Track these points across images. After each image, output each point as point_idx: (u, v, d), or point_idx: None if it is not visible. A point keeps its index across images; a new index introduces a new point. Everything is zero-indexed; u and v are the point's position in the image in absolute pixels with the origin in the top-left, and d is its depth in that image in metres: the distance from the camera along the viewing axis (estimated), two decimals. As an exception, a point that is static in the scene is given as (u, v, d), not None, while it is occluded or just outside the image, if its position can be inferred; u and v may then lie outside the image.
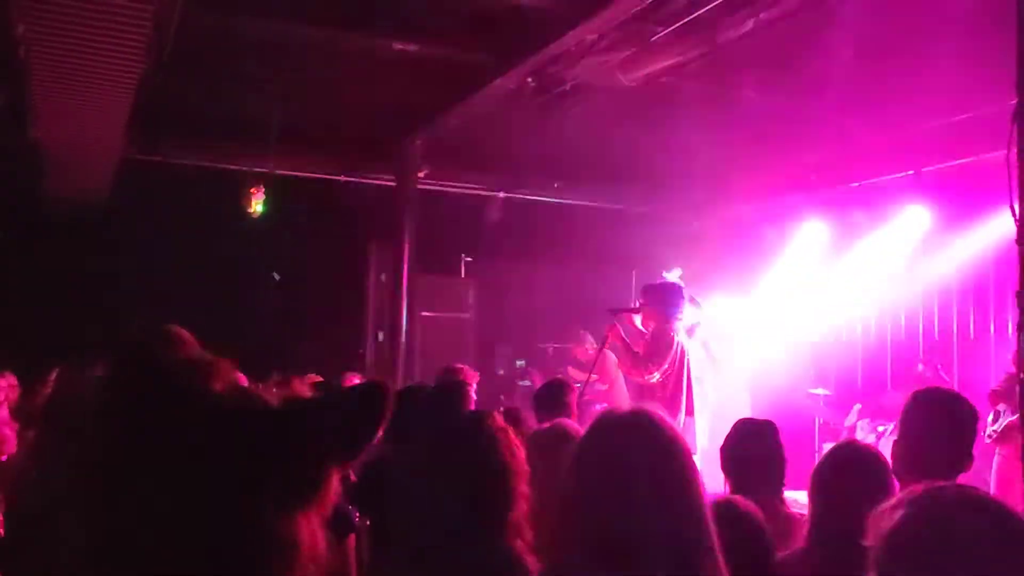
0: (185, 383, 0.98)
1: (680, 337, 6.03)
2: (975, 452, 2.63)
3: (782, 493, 3.14)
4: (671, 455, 1.43)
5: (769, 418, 3.39)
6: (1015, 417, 5.45)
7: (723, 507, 2.09)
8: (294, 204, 8.96)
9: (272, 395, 1.02)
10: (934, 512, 1.26)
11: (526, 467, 2.16)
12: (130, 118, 6.45)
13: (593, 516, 1.39)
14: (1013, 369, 5.85)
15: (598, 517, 1.38)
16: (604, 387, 7.68)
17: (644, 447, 1.43)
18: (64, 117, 6.20)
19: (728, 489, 3.07)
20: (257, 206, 8.05)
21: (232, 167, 8.52)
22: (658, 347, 5.91)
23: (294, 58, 6.80)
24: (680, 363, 5.95)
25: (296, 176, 8.93)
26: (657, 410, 1.54)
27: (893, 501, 1.30)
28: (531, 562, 1.98)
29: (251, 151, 8.31)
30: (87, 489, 1.00)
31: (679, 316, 6.09)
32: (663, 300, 6.08)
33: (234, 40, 6.44)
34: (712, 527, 1.41)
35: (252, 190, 8.05)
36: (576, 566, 1.38)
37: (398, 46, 6.50)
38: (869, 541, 1.28)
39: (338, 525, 2.82)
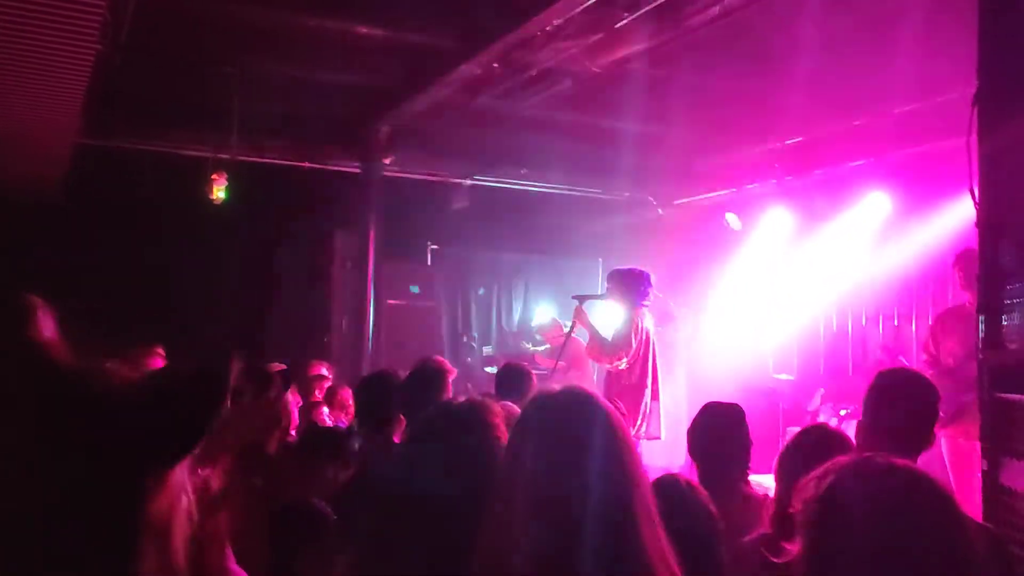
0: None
1: (646, 323, 6.07)
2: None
3: (747, 475, 3.17)
4: (607, 428, 1.43)
5: (735, 402, 3.43)
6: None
7: (666, 483, 2.11)
8: (257, 191, 8.84)
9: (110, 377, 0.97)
10: (856, 479, 1.29)
11: None
12: (86, 103, 6.30)
13: (528, 487, 1.39)
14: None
15: (534, 486, 1.39)
16: (578, 374, 7.71)
17: (580, 419, 1.43)
18: (13, 100, 6.04)
19: (695, 472, 3.10)
20: (219, 193, 7.93)
21: (193, 153, 8.37)
22: (623, 333, 5.94)
23: (256, 42, 6.70)
24: (646, 349, 5.99)
25: (259, 163, 8.80)
26: (591, 388, 1.54)
27: (819, 471, 1.33)
28: None
29: (213, 137, 8.17)
30: None
31: (645, 302, 6.12)
32: (629, 286, 6.11)
33: (194, 23, 6.32)
34: (652, 500, 1.41)
35: (214, 177, 7.91)
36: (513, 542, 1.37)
37: (362, 30, 6.42)
38: (794, 508, 1.31)
39: (310, 523, 2.78)
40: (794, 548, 1.32)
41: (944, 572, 1.21)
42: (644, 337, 6.01)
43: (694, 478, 3.06)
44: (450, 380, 4.43)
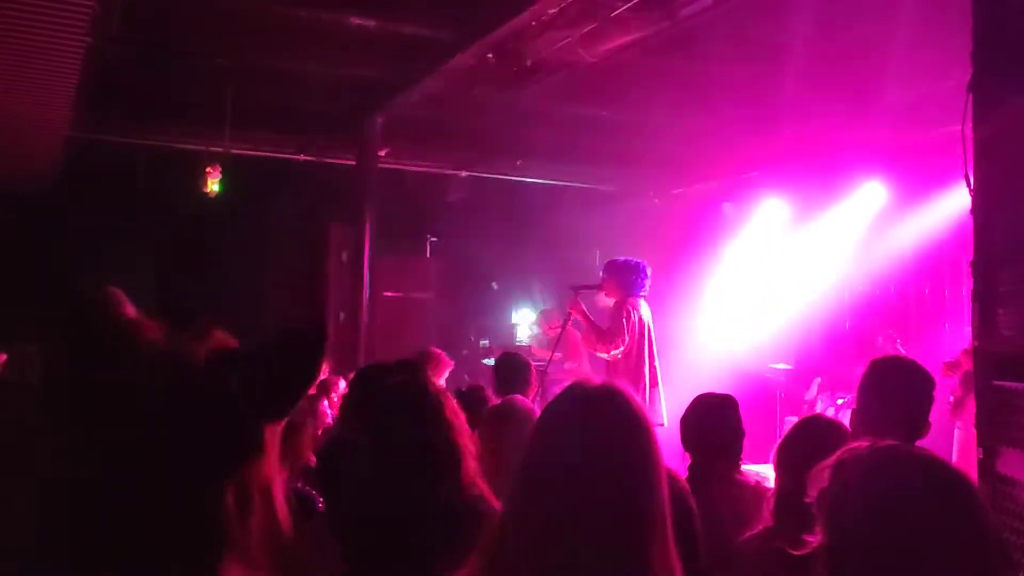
0: (115, 342, 0.96)
1: (643, 312, 6.06)
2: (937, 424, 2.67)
3: (740, 464, 3.17)
4: (638, 433, 1.39)
5: (729, 392, 3.42)
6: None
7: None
8: (253, 184, 8.82)
9: (199, 347, 0.99)
10: (872, 467, 1.27)
11: (465, 425, 2.17)
12: (77, 96, 6.27)
13: (549, 488, 1.36)
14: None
15: (554, 489, 1.35)
16: (575, 365, 7.71)
17: (613, 421, 1.38)
18: (2, 94, 6.01)
19: (688, 462, 3.10)
20: (213, 186, 7.90)
21: (187, 147, 8.34)
22: (620, 322, 5.94)
23: (248, 34, 6.66)
24: (641, 337, 5.99)
25: (254, 155, 8.78)
26: (625, 387, 1.48)
27: (833, 460, 1.31)
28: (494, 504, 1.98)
29: (206, 130, 8.15)
30: (30, 446, 0.99)
31: (642, 292, 6.12)
32: (625, 276, 6.11)
33: (186, 15, 6.29)
34: (668, 511, 1.38)
35: (208, 169, 7.89)
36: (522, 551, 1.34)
37: (356, 21, 6.39)
38: (810, 498, 1.30)
39: (300, 508, 2.78)
40: (814, 539, 1.31)
41: (969, 559, 1.20)
42: (640, 326, 6.01)
43: (685, 468, 3.07)
44: (444, 374, 4.46)
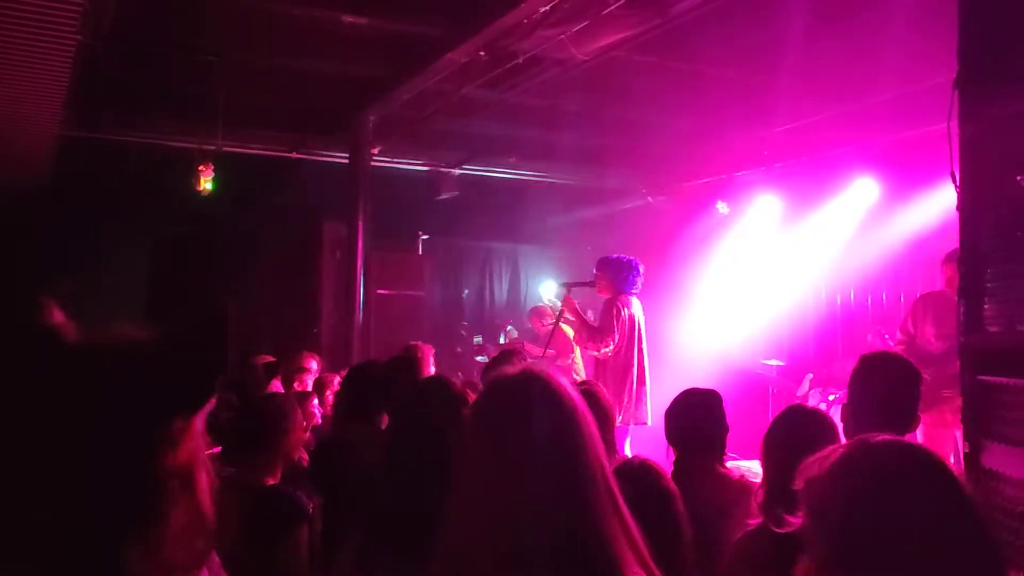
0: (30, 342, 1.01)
1: (634, 310, 6.08)
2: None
3: (724, 458, 3.20)
4: (563, 416, 1.38)
5: (721, 389, 3.45)
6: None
7: (628, 469, 2.11)
8: (245, 182, 8.81)
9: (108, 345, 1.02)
10: (855, 455, 1.29)
11: None
12: (70, 94, 6.26)
13: (481, 482, 1.37)
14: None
15: (486, 484, 1.36)
16: (567, 361, 7.73)
17: (530, 404, 1.39)
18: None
19: (673, 457, 3.13)
20: (206, 184, 7.89)
21: (180, 144, 8.33)
22: (612, 319, 5.96)
23: (241, 31, 6.65)
24: (632, 335, 6.01)
25: (247, 153, 8.76)
26: (547, 371, 1.49)
27: (823, 452, 1.33)
28: None
29: (200, 128, 8.13)
30: None
31: (634, 290, 6.14)
32: (618, 272, 6.13)
33: (177, 12, 6.28)
34: (613, 485, 1.38)
35: (201, 168, 7.87)
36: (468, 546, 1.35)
37: (348, 19, 6.39)
38: (798, 485, 1.31)
39: (286, 513, 2.78)
40: (798, 520, 1.32)
41: (954, 546, 1.22)
42: (630, 324, 6.03)
43: (671, 463, 3.10)
44: (430, 360, 4.49)
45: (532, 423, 1.37)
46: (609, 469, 1.39)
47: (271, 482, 2.98)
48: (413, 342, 5.76)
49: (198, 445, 1.02)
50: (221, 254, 9.58)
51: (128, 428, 0.97)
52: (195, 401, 1.02)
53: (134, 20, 5.81)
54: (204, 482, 1.03)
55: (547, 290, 9.83)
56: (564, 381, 1.47)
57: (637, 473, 2.14)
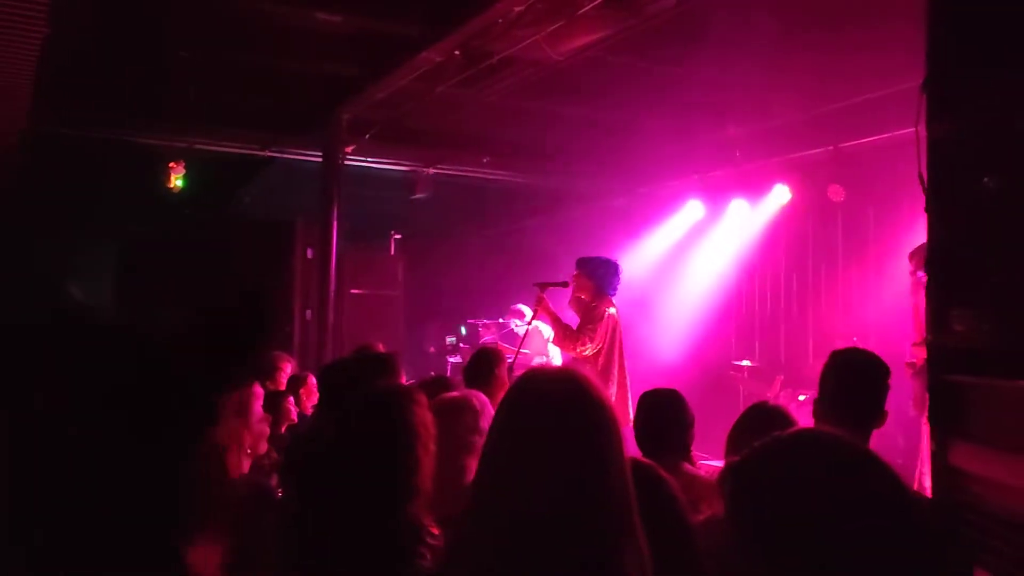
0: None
1: (613, 311, 6.09)
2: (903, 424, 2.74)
3: (689, 456, 3.24)
4: (599, 423, 1.37)
5: (694, 390, 3.49)
6: None
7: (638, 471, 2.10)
8: (217, 180, 8.72)
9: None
10: (776, 451, 1.28)
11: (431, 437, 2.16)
12: (37, 88, 6.16)
13: (509, 483, 1.34)
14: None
15: (514, 484, 1.34)
16: (543, 361, 7.72)
17: (571, 410, 1.37)
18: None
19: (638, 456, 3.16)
20: (177, 181, 7.81)
21: (151, 141, 8.23)
22: (591, 320, 5.96)
23: (214, 27, 6.59)
24: (613, 337, 6.02)
25: (218, 151, 8.68)
26: (587, 375, 1.47)
27: (747, 449, 1.32)
28: (435, 532, 1.96)
29: (170, 125, 8.04)
30: None
31: (613, 291, 6.14)
32: (598, 274, 6.12)
33: (150, 7, 6.20)
34: (632, 501, 1.36)
35: (172, 165, 7.79)
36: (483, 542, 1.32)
37: (321, 16, 6.35)
38: (720, 488, 1.30)
39: (256, 501, 2.77)
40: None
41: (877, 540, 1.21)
42: (610, 325, 6.03)
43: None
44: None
45: (566, 422, 1.35)
46: (630, 479, 1.37)
47: (236, 474, 2.99)
48: (370, 342, 5.73)
49: (235, 425, 1.08)
50: (192, 252, 9.47)
51: (172, 408, 1.00)
52: (229, 385, 1.08)
53: (103, 14, 5.73)
54: (235, 459, 1.08)
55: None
56: (597, 382, 1.45)
57: (640, 474, 2.13)
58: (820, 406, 2.72)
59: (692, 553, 1.80)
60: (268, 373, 6.33)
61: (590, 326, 5.95)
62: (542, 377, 1.47)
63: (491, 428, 1.43)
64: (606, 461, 1.36)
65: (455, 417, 2.86)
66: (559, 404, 1.39)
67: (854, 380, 2.74)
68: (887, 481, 1.26)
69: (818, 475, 1.24)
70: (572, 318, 6.33)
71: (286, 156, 9.18)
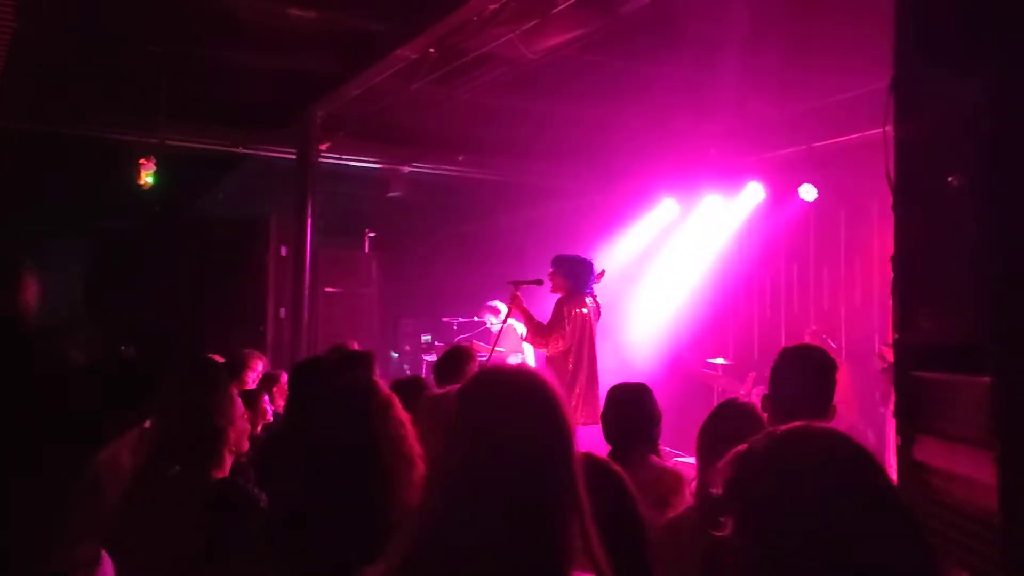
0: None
1: (586, 308, 6.10)
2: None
3: (656, 448, 3.31)
4: (548, 416, 1.39)
5: (668, 387, 3.54)
6: None
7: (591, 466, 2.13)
8: (189, 177, 8.64)
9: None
10: (776, 444, 1.31)
11: (409, 434, 2.15)
12: (4, 83, 6.07)
13: (453, 467, 1.37)
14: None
15: (456, 468, 1.36)
16: (517, 358, 7.72)
17: (523, 402, 1.39)
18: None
19: (607, 450, 3.20)
20: (147, 178, 7.72)
21: (121, 137, 8.13)
22: (564, 318, 5.97)
23: (186, 22, 6.53)
24: (583, 334, 6.03)
25: (191, 147, 8.60)
26: (540, 371, 1.49)
27: (755, 437, 1.35)
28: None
29: (141, 121, 7.95)
30: None
31: (587, 289, 6.15)
32: (573, 272, 6.13)
33: (122, 1, 6.13)
34: (583, 492, 1.38)
35: (142, 161, 7.70)
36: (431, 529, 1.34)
37: (295, 12, 6.31)
38: (718, 489, 1.33)
39: (237, 504, 2.75)
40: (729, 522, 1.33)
41: (878, 531, 1.24)
42: (582, 323, 6.05)
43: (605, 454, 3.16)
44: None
45: (515, 415, 1.37)
46: (580, 475, 1.38)
47: (219, 476, 2.96)
48: (343, 342, 5.72)
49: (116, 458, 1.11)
50: (163, 250, 9.38)
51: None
52: (127, 423, 1.10)
53: (74, 8, 5.66)
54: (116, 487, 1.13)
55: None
56: (554, 381, 1.46)
57: (593, 470, 2.15)
58: (771, 402, 2.77)
59: (643, 546, 1.82)
60: (236, 372, 6.30)
61: (560, 324, 5.97)
62: (492, 373, 1.49)
63: (453, 420, 1.45)
64: (554, 455, 1.37)
65: (443, 414, 2.86)
66: (505, 398, 1.41)
67: (804, 376, 2.80)
68: (882, 475, 1.30)
69: (818, 468, 1.27)
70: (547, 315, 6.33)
71: (260, 153, 9.12)
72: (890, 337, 6.47)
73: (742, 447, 1.35)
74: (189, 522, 2.58)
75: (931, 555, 1.28)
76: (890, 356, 6.11)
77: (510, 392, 1.42)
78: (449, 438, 1.41)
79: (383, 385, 2.20)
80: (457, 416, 1.43)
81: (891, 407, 6.05)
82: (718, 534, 1.41)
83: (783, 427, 1.34)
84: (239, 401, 3.15)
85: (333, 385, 2.24)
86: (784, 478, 1.27)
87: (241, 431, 3.13)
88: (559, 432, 1.39)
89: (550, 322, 6.04)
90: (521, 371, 1.47)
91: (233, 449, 3.08)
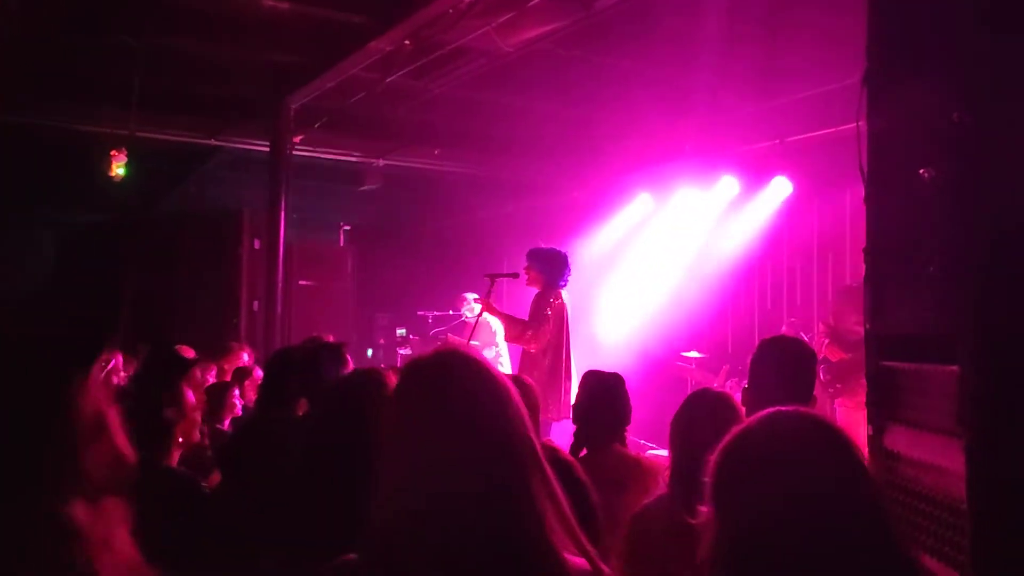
0: None
1: (563, 302, 6.11)
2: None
3: (623, 437, 3.36)
4: (486, 389, 1.35)
5: (642, 379, 3.57)
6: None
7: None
8: (162, 168, 8.54)
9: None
10: (759, 424, 1.33)
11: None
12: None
13: (405, 466, 1.34)
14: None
15: (411, 467, 1.33)
16: (492, 353, 7.73)
17: (451, 382, 1.36)
18: None
19: (575, 438, 3.24)
20: (118, 169, 7.62)
21: (92, 128, 8.02)
22: (544, 313, 5.97)
23: (158, 12, 6.45)
24: (561, 328, 6.04)
25: (163, 139, 8.50)
26: (463, 347, 1.47)
27: (724, 440, 1.36)
28: None
29: (113, 112, 7.85)
30: None
31: (563, 282, 6.15)
32: (549, 266, 6.12)
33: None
34: (544, 462, 1.36)
35: (113, 152, 7.60)
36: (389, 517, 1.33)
37: (269, 3, 6.26)
38: (706, 477, 1.34)
39: (176, 492, 2.78)
40: (705, 509, 1.34)
41: (855, 515, 1.26)
42: (561, 317, 6.06)
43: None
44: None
45: (453, 398, 1.35)
46: (538, 443, 1.37)
47: (167, 464, 2.99)
48: (318, 334, 5.68)
49: (101, 394, 1.18)
50: (135, 242, 9.28)
51: (28, 385, 1.12)
52: (87, 357, 1.17)
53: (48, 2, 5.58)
54: (116, 423, 1.20)
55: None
56: (482, 355, 1.45)
57: (558, 462, 2.17)
58: (752, 393, 2.80)
59: (596, 533, 1.83)
60: (223, 354, 6.28)
61: (540, 318, 5.97)
62: (419, 362, 1.45)
63: (386, 414, 1.42)
64: (496, 423, 1.35)
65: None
66: (437, 382, 1.39)
67: (785, 367, 2.83)
68: (854, 457, 1.33)
69: (791, 451, 1.30)
70: (525, 309, 6.33)
71: (232, 145, 9.03)
72: (819, 329, 6.63)
73: (719, 446, 1.36)
74: (136, 511, 2.58)
75: (900, 540, 1.31)
76: (829, 352, 6.29)
77: (439, 377, 1.38)
78: (393, 438, 1.38)
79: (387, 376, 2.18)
80: (395, 415, 1.40)
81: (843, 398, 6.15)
82: (692, 521, 1.42)
83: (765, 412, 1.36)
84: (190, 393, 3.19)
85: (338, 389, 2.21)
86: (756, 462, 1.29)
87: (191, 422, 3.19)
88: (501, 403, 1.35)
89: (531, 318, 6.03)
90: (443, 353, 1.43)
91: (180, 441, 3.11)
